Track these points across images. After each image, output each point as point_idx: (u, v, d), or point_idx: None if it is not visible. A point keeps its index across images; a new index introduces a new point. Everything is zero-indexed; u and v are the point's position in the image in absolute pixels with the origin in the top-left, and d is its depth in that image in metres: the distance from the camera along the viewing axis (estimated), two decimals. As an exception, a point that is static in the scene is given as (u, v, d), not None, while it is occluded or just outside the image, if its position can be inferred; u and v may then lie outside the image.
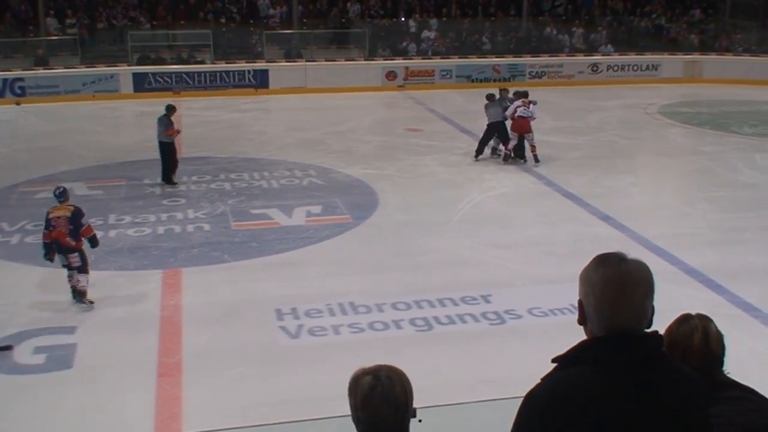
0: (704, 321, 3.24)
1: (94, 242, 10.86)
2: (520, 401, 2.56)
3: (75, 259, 10.47)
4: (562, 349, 2.59)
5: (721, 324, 3.28)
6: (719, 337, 3.22)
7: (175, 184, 16.51)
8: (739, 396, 3.12)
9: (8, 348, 9.28)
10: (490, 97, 18.62)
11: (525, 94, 18.35)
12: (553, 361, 2.57)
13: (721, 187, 16.58)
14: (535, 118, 18.13)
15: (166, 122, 16.33)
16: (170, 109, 16.51)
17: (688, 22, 34.69)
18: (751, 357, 8.44)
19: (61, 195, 10.77)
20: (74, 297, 10.63)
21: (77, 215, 10.49)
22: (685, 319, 3.25)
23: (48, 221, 10.44)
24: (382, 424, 2.67)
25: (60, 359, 9.11)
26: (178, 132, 16.77)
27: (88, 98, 26.26)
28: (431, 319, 10.14)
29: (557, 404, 2.44)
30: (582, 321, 2.60)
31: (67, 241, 10.35)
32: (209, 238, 13.28)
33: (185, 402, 8.23)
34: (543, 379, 2.55)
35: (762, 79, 30.78)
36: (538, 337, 9.50)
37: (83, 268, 10.55)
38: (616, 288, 2.47)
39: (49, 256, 10.48)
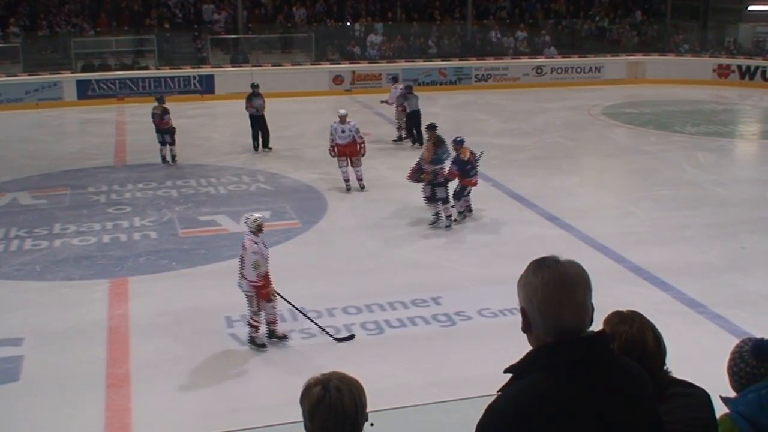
0: (645, 320, 3.28)
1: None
2: (471, 402, 2.56)
3: (168, 137, 17.98)
4: (512, 350, 2.60)
5: (667, 320, 3.34)
6: (661, 335, 3.28)
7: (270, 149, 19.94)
8: (682, 392, 3.18)
9: (351, 337, 9.80)
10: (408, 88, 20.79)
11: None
12: (506, 371, 2.54)
13: (665, 185, 16.83)
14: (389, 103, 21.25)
15: (262, 96, 19.71)
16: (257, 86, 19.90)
17: (630, 24, 35.19)
18: (698, 352, 8.57)
19: (161, 99, 18.29)
20: (173, 161, 18.39)
21: (166, 112, 18.06)
22: (624, 317, 3.28)
23: (153, 116, 18.04)
24: None
25: (6, 372, 8.93)
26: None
27: (32, 106, 25.88)
28: (382, 323, 10.15)
29: (521, 415, 2.41)
30: (526, 328, 2.55)
31: (163, 126, 17.95)
32: (156, 245, 13.15)
33: (135, 412, 8.13)
34: (501, 391, 2.51)
35: (703, 78, 31.38)
36: (488, 338, 9.57)
37: (174, 141, 18.18)
38: (558, 289, 2.47)
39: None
